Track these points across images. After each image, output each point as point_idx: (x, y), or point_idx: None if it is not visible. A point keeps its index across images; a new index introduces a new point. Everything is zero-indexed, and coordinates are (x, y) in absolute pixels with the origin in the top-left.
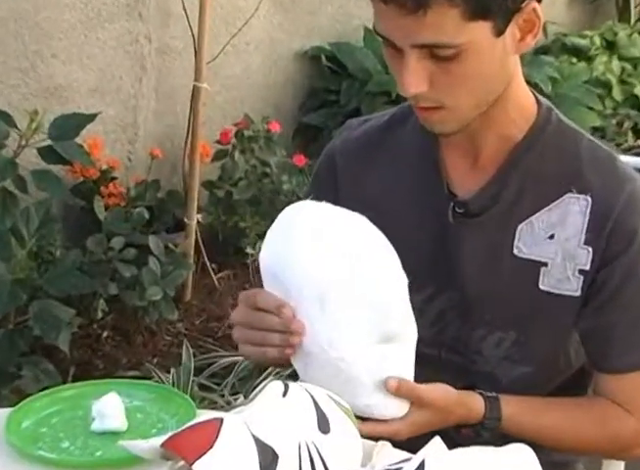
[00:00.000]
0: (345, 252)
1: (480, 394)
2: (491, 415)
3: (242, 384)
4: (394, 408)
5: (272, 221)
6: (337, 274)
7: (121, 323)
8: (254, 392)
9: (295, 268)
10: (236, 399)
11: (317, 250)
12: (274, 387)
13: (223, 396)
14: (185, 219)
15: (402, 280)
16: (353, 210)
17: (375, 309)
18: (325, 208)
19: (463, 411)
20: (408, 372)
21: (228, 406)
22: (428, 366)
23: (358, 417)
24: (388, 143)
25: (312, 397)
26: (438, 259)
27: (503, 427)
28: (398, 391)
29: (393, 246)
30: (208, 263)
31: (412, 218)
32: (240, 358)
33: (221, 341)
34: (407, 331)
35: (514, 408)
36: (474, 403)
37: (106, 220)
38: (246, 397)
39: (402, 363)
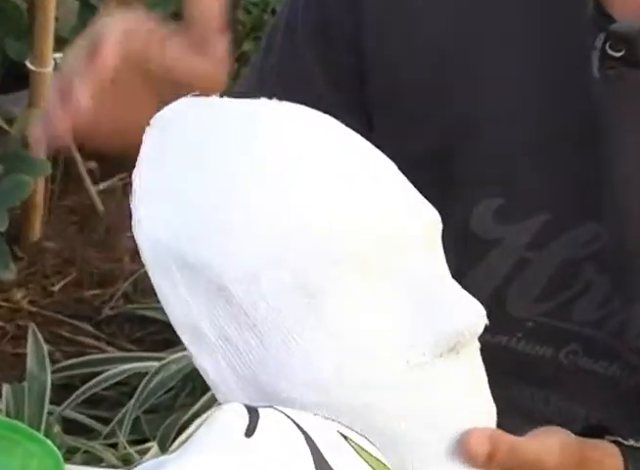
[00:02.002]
0: (347, 200)
1: (617, 443)
2: None
3: (156, 420)
4: None
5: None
6: (341, 238)
7: None
8: (188, 431)
9: (247, 242)
10: (143, 453)
11: (303, 196)
12: (228, 416)
13: (115, 445)
14: (29, 64)
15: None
16: (388, 52)
17: (417, 290)
18: (293, 112)
19: None
20: (488, 407)
21: (124, 466)
22: (522, 378)
23: None
24: None
25: (306, 435)
26: (566, 156)
27: None
28: (494, 458)
29: (463, 126)
30: (81, 160)
31: (512, 67)
32: (152, 365)
33: (108, 327)
34: (475, 323)
35: None
36: (607, 464)
37: None
38: (163, 447)
39: (477, 390)
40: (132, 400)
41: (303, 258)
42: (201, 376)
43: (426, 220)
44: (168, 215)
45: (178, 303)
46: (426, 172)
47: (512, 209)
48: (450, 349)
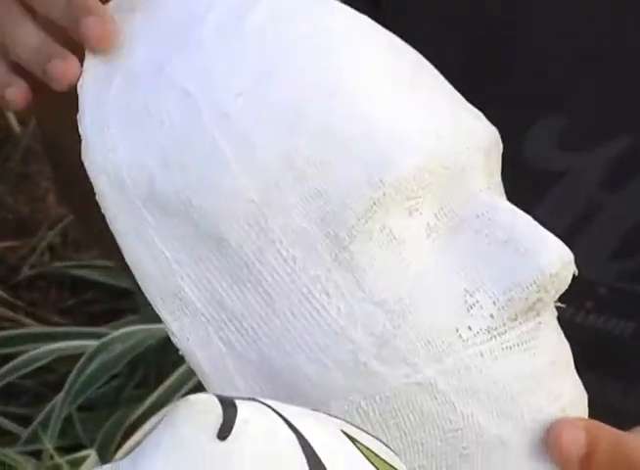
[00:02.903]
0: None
1: None
2: None
3: (93, 419)
4: None
5: None
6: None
7: None
8: (138, 434)
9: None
10: (76, 464)
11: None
12: (195, 412)
13: (38, 452)
14: None
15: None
16: None
17: (480, 231)
18: None
19: None
20: (577, 388)
21: None
22: (592, 363)
23: None
24: None
25: (300, 435)
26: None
27: None
28: (593, 458)
29: (503, 24)
30: None
31: None
32: (88, 344)
33: (28, 292)
34: (563, 271)
35: None
36: None
37: None
38: (104, 456)
39: (564, 366)
40: (61, 393)
41: (333, 189)
42: (155, 359)
43: (487, 140)
44: (131, 135)
45: (150, 257)
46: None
47: (580, 129)
48: (529, 308)
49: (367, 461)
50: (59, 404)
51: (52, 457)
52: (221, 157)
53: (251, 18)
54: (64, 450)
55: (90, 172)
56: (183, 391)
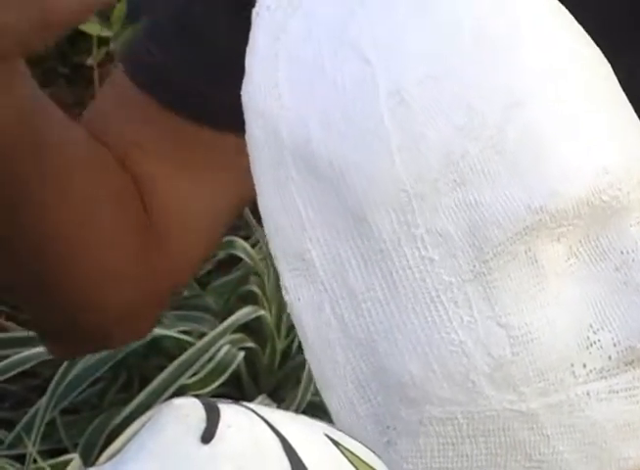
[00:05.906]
0: None
1: None
2: None
3: (77, 423)
4: None
5: None
6: None
7: None
8: (122, 437)
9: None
10: (60, 468)
11: None
12: (179, 416)
13: (22, 457)
14: None
15: None
16: None
17: (619, 272)
18: None
19: None
20: None
21: None
22: None
23: None
24: None
25: (284, 440)
26: None
27: None
28: None
29: None
30: None
31: None
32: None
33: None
34: None
35: None
36: None
37: None
38: (87, 459)
39: None
40: (44, 397)
41: (490, 203)
42: (138, 362)
43: None
44: (300, 87)
45: (284, 211)
46: None
47: None
48: None
49: (351, 465)
50: (42, 408)
51: (35, 461)
52: (385, 139)
53: None
54: (47, 454)
55: (246, 108)
56: (167, 394)
